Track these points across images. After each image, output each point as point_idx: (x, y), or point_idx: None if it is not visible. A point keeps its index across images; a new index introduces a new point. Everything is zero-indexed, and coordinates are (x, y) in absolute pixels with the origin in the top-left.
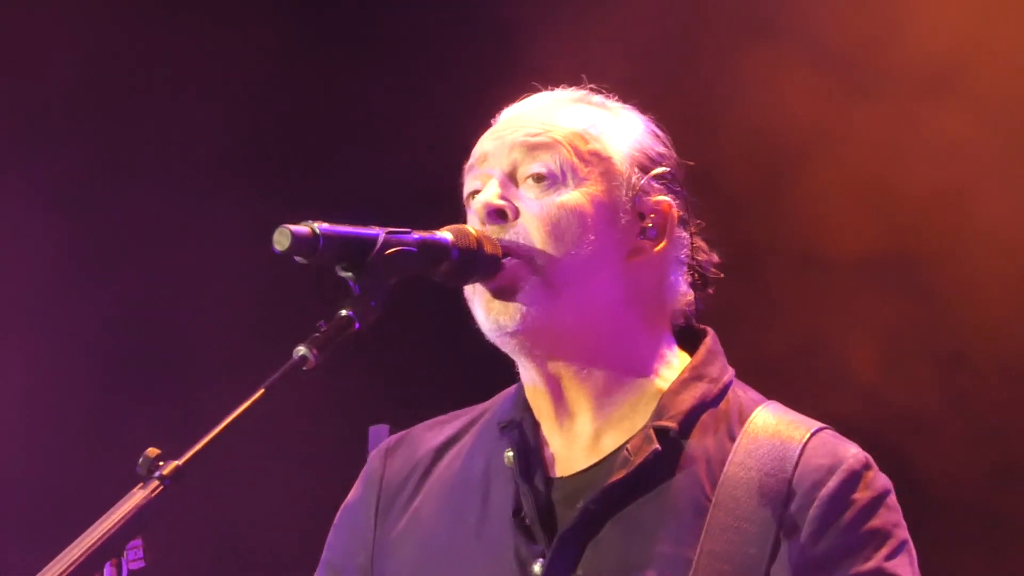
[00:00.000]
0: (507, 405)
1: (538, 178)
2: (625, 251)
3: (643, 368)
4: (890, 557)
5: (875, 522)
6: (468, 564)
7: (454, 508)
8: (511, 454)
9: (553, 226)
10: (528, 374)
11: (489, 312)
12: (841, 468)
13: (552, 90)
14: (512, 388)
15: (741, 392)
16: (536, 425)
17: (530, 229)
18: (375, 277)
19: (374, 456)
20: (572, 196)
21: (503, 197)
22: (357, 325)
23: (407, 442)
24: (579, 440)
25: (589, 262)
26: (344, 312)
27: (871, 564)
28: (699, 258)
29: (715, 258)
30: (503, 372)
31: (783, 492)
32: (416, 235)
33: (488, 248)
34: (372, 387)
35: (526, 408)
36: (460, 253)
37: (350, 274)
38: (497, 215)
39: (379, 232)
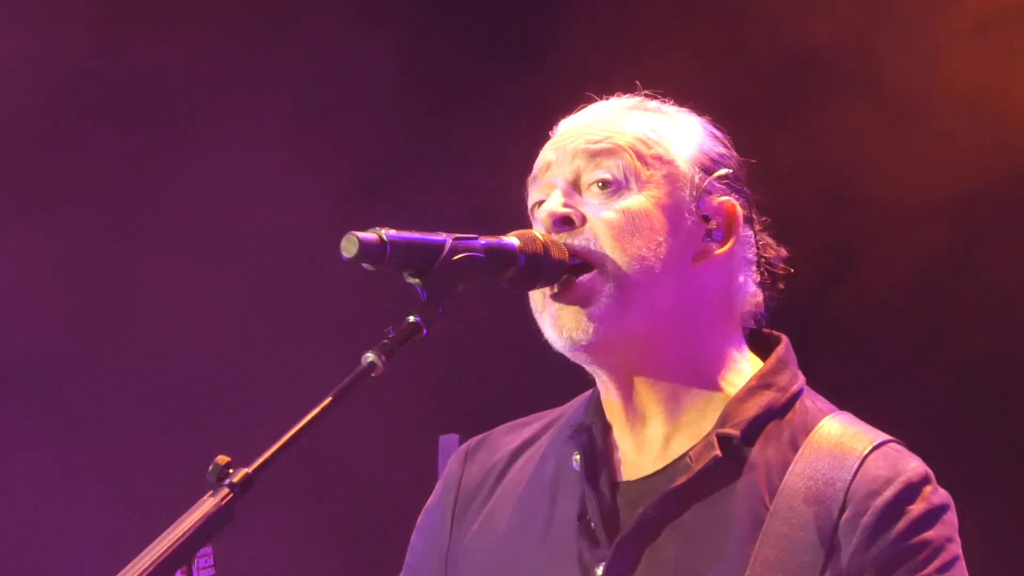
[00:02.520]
0: (581, 409)
1: (602, 184)
2: (692, 254)
3: (712, 373)
4: (941, 571)
5: (928, 534)
6: (534, 568)
7: (524, 512)
8: (578, 457)
9: (620, 229)
10: (600, 379)
11: (562, 329)
12: (899, 480)
13: (607, 99)
14: (589, 392)
15: (810, 403)
16: (607, 429)
17: (598, 234)
18: (442, 283)
19: (454, 459)
20: (637, 200)
21: (568, 205)
22: (425, 331)
23: (486, 445)
24: (649, 444)
25: (659, 264)
26: (412, 318)
27: (919, 574)
28: (767, 255)
29: (783, 252)
30: (574, 378)
31: (839, 501)
32: (483, 241)
33: (555, 253)
34: (443, 396)
35: (598, 412)
36: (527, 259)
37: (417, 280)
38: (563, 222)
39: (446, 238)
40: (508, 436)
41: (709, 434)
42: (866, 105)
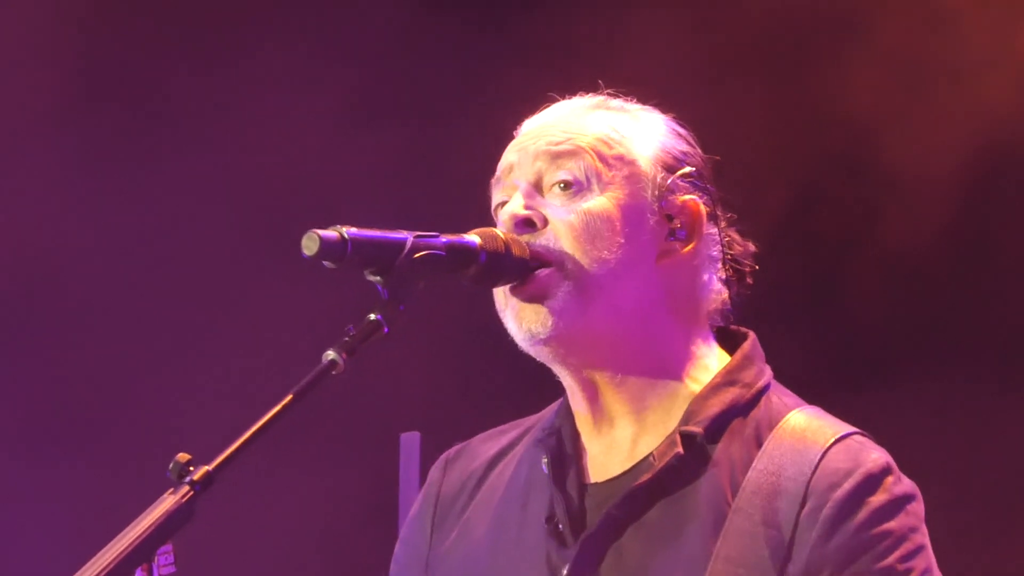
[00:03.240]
0: (553, 413)
1: (564, 185)
2: (655, 253)
3: (678, 372)
4: (904, 560)
5: (890, 524)
6: (506, 571)
7: (499, 518)
8: (546, 460)
9: (580, 231)
10: (566, 381)
11: (521, 321)
12: (859, 471)
13: (570, 98)
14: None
15: (776, 398)
16: (576, 432)
17: (559, 235)
18: (403, 281)
19: (434, 469)
20: (598, 201)
21: (529, 207)
22: (386, 329)
23: (466, 453)
24: (618, 446)
25: (619, 265)
26: (373, 316)
27: (882, 564)
28: (733, 252)
29: (751, 247)
30: (538, 376)
31: (800, 495)
32: (444, 239)
33: (516, 251)
34: (404, 394)
35: (567, 415)
36: (488, 256)
37: (378, 278)
38: (525, 224)
39: (407, 236)
40: (486, 444)
41: (673, 432)
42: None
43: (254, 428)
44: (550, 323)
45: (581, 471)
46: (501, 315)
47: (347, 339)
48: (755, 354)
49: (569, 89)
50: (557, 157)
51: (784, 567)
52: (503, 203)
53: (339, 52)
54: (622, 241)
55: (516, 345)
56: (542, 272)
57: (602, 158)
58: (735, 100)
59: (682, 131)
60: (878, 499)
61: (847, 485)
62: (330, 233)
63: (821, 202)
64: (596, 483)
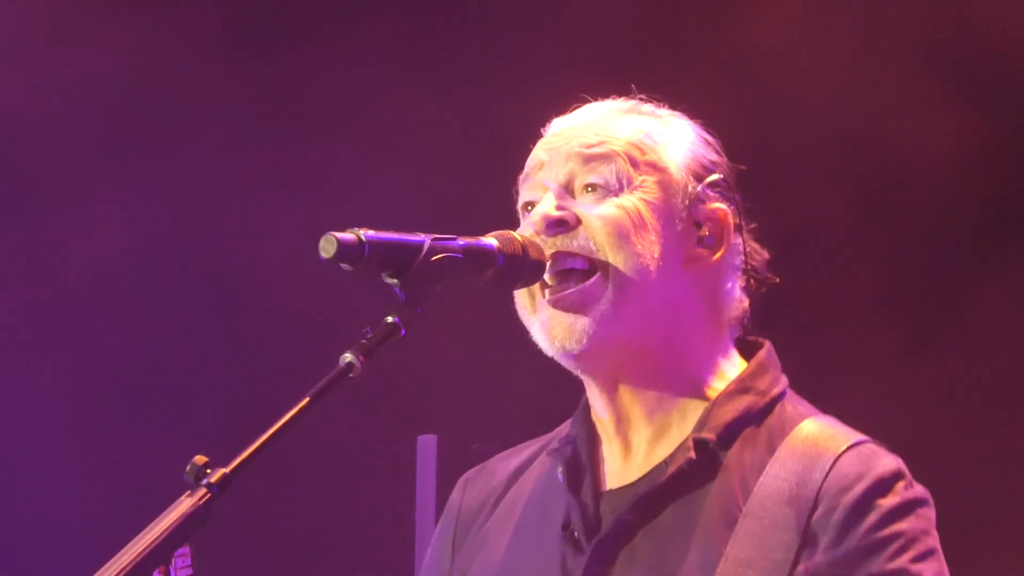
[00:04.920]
0: (569, 424)
1: (594, 187)
2: (682, 259)
3: (697, 379)
4: (915, 561)
5: (901, 526)
6: None
7: (519, 529)
8: (560, 469)
9: (616, 226)
10: (589, 388)
11: (553, 337)
12: (869, 475)
13: (602, 100)
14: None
15: (791, 406)
16: (594, 440)
17: (593, 233)
18: (421, 284)
19: (454, 490)
20: (630, 200)
21: (561, 207)
22: (403, 332)
23: (485, 472)
24: (635, 452)
25: (652, 265)
26: (390, 319)
27: (893, 565)
28: (753, 262)
29: (766, 255)
30: (555, 379)
31: (811, 500)
32: (461, 241)
33: (533, 254)
34: (421, 397)
35: (584, 422)
36: (505, 259)
37: (396, 281)
38: (558, 225)
39: (424, 239)
40: (505, 462)
41: (687, 439)
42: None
43: (271, 430)
44: (584, 339)
45: (597, 478)
46: (525, 319)
47: (364, 341)
48: (770, 362)
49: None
50: (589, 160)
51: (793, 570)
52: (530, 202)
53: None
54: (653, 238)
55: (533, 347)
56: (587, 284)
57: (634, 163)
58: None
59: (711, 139)
60: (889, 502)
61: (858, 489)
62: (347, 235)
63: None
64: (611, 490)
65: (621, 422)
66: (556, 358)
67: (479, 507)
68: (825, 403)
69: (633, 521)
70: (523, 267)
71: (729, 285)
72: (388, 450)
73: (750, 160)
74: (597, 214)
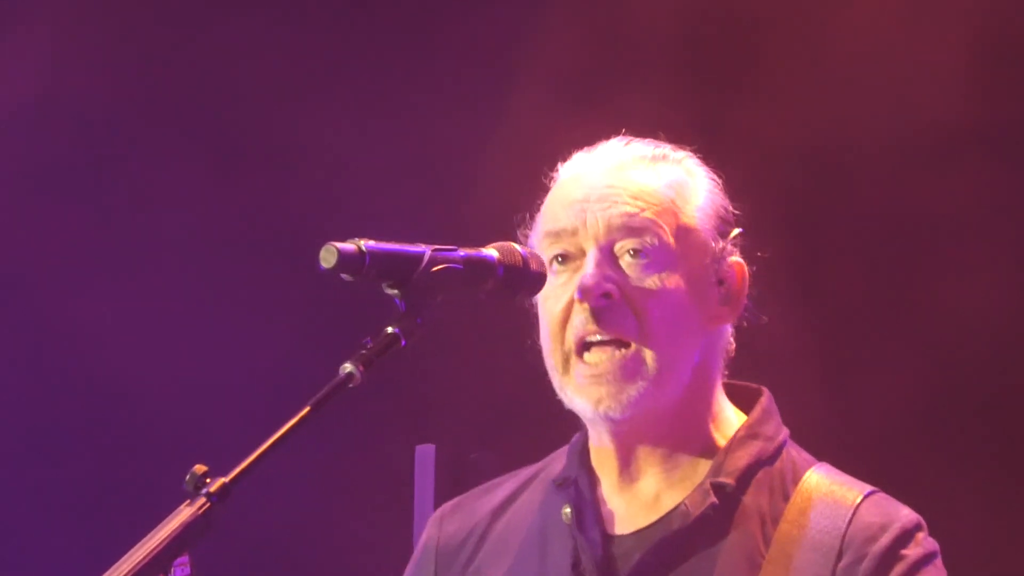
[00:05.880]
0: (564, 462)
1: (635, 254)
2: (707, 319)
3: (707, 429)
4: None
5: None
6: None
7: (513, 568)
8: (568, 510)
9: (655, 307)
10: (601, 440)
11: (597, 402)
12: (894, 526)
13: (624, 139)
14: (566, 447)
15: (795, 452)
16: (593, 482)
17: (637, 312)
18: (421, 294)
19: (428, 525)
20: (672, 278)
21: (607, 277)
22: (403, 342)
23: (461, 508)
24: (639, 499)
25: (686, 340)
26: (390, 329)
27: None
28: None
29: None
30: (550, 392)
31: (836, 548)
32: (462, 252)
33: (534, 266)
34: (419, 407)
35: (583, 463)
36: (506, 270)
37: (396, 291)
38: (604, 297)
39: (425, 249)
40: (484, 498)
41: (703, 483)
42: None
43: (271, 440)
44: (629, 409)
45: (601, 521)
46: (553, 377)
47: (364, 352)
48: (772, 409)
49: None
50: (631, 233)
51: None
52: (563, 255)
53: None
54: (690, 318)
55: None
56: (627, 355)
57: (672, 230)
58: None
59: (718, 180)
60: (914, 552)
61: (884, 540)
62: (348, 246)
63: None
64: (621, 535)
65: (630, 473)
66: (594, 420)
67: (461, 543)
68: None
69: (655, 564)
70: (524, 279)
71: (729, 332)
72: (386, 459)
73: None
74: (641, 295)
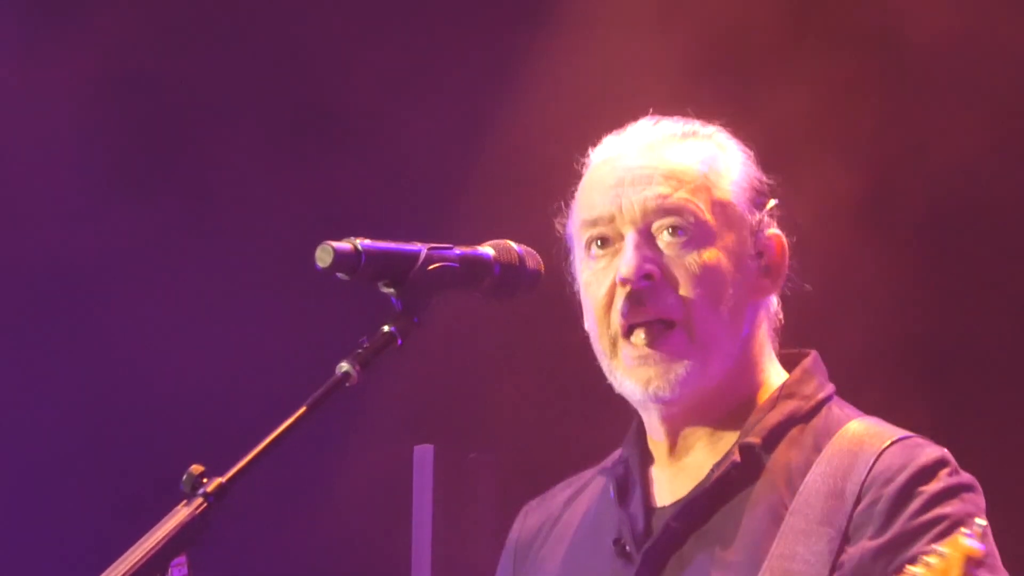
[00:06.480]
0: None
1: (673, 231)
2: (750, 292)
3: (753, 397)
4: None
5: (945, 509)
6: None
7: (571, 549)
8: (613, 486)
9: (700, 286)
10: (651, 421)
11: (647, 384)
12: (912, 464)
13: (652, 118)
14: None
15: (838, 409)
16: (646, 460)
17: (679, 288)
18: (417, 293)
19: (516, 520)
20: (711, 254)
21: (648, 258)
22: (400, 341)
23: (544, 501)
24: (686, 471)
25: (730, 316)
26: (386, 328)
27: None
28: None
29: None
30: (553, 391)
31: (855, 493)
32: (458, 251)
33: (530, 264)
34: (418, 407)
35: (637, 443)
36: (502, 269)
37: (392, 290)
38: (646, 279)
39: (421, 248)
40: (564, 490)
41: (732, 445)
42: None
43: (268, 440)
44: (678, 388)
45: (648, 495)
46: (603, 362)
47: (361, 351)
48: (816, 369)
49: None
50: (667, 212)
51: (836, 560)
52: (601, 238)
53: None
54: (732, 292)
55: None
56: (674, 340)
57: (708, 206)
58: None
59: (749, 152)
60: (932, 487)
61: (900, 478)
62: (344, 245)
63: None
64: (663, 506)
65: (677, 445)
66: (644, 402)
67: (535, 534)
68: None
69: (681, 528)
70: (520, 277)
71: (775, 301)
72: (385, 460)
73: None
74: (682, 273)
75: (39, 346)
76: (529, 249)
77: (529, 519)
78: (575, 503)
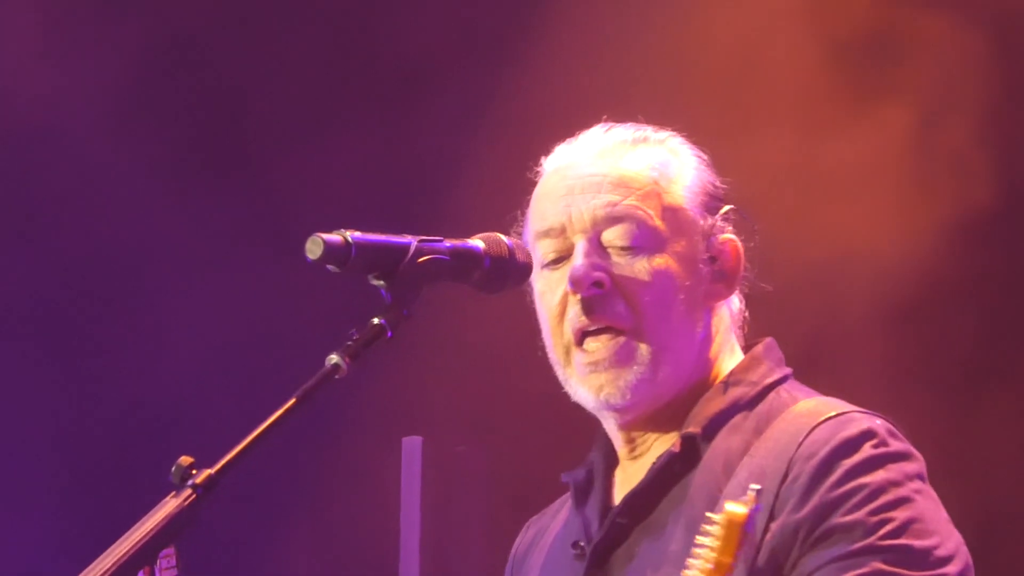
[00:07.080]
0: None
1: (623, 239)
2: (703, 297)
3: (704, 392)
4: (878, 511)
5: (863, 480)
6: None
7: (547, 557)
8: (571, 491)
9: (649, 294)
10: (608, 427)
11: (599, 391)
12: (835, 438)
13: (604, 125)
14: None
15: (787, 392)
16: (611, 463)
17: (627, 297)
18: (407, 286)
19: (517, 537)
20: (661, 259)
21: (596, 266)
22: (389, 334)
23: (543, 515)
24: (643, 467)
25: (681, 323)
26: (376, 320)
27: (851, 517)
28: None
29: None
30: (541, 384)
31: (783, 470)
32: (448, 243)
33: (520, 257)
34: (406, 398)
35: (601, 448)
36: (492, 261)
37: (382, 283)
38: (594, 287)
39: (411, 240)
40: (559, 503)
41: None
42: None
43: (257, 431)
44: (629, 395)
45: (609, 496)
46: (558, 371)
47: (350, 343)
48: (766, 356)
49: None
50: (616, 220)
51: (764, 538)
52: (557, 259)
53: None
54: (683, 298)
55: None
56: (620, 344)
57: (657, 212)
58: None
59: (705, 157)
60: (852, 460)
61: (823, 452)
62: (334, 237)
63: None
64: (616, 504)
65: (635, 445)
66: (598, 409)
67: (528, 547)
68: None
69: (627, 522)
70: (510, 270)
71: (736, 302)
72: (373, 451)
73: None
74: (630, 280)
75: (39, 347)
76: (519, 242)
77: (528, 533)
78: (560, 513)
